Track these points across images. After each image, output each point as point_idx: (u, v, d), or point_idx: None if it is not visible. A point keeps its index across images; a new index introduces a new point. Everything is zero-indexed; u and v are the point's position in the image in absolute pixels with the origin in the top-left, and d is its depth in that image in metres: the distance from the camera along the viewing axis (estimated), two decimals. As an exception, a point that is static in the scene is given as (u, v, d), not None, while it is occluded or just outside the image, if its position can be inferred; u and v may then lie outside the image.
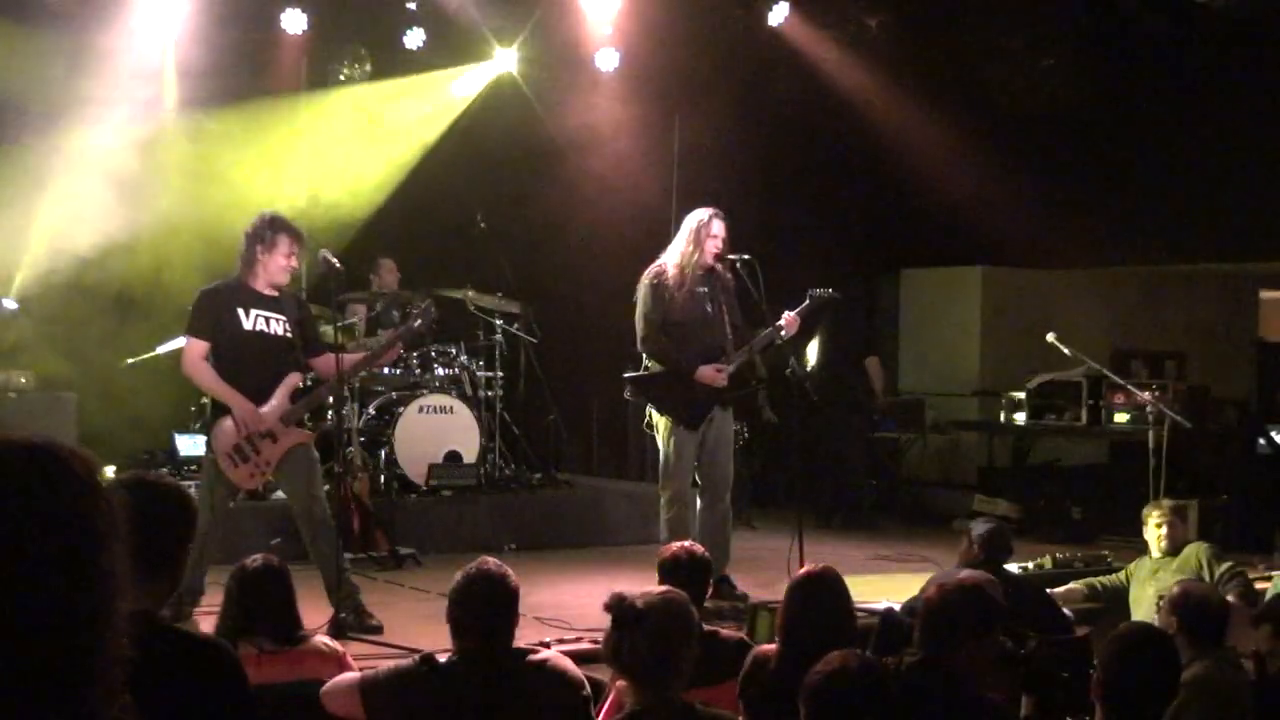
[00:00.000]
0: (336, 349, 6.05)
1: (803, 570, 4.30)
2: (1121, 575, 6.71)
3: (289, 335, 6.11)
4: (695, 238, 6.96)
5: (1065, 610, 6.06)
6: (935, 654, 3.55)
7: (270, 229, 6.06)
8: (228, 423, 5.98)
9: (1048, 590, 6.39)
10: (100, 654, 1.47)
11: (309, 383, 6.60)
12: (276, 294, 6.15)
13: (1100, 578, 6.84)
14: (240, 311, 6.03)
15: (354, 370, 6.54)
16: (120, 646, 1.51)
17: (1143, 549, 8.13)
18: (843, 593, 4.13)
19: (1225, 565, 6.32)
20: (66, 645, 1.44)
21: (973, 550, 5.65)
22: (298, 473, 6.12)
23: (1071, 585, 6.76)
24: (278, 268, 6.08)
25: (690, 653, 3.23)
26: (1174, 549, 6.41)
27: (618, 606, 3.21)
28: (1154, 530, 6.46)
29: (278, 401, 6.02)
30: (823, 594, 4.09)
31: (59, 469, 1.53)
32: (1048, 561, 7.87)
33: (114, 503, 1.56)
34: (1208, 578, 6.11)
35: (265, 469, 6.07)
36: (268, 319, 6.08)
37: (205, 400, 8.66)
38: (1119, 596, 6.56)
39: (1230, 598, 5.92)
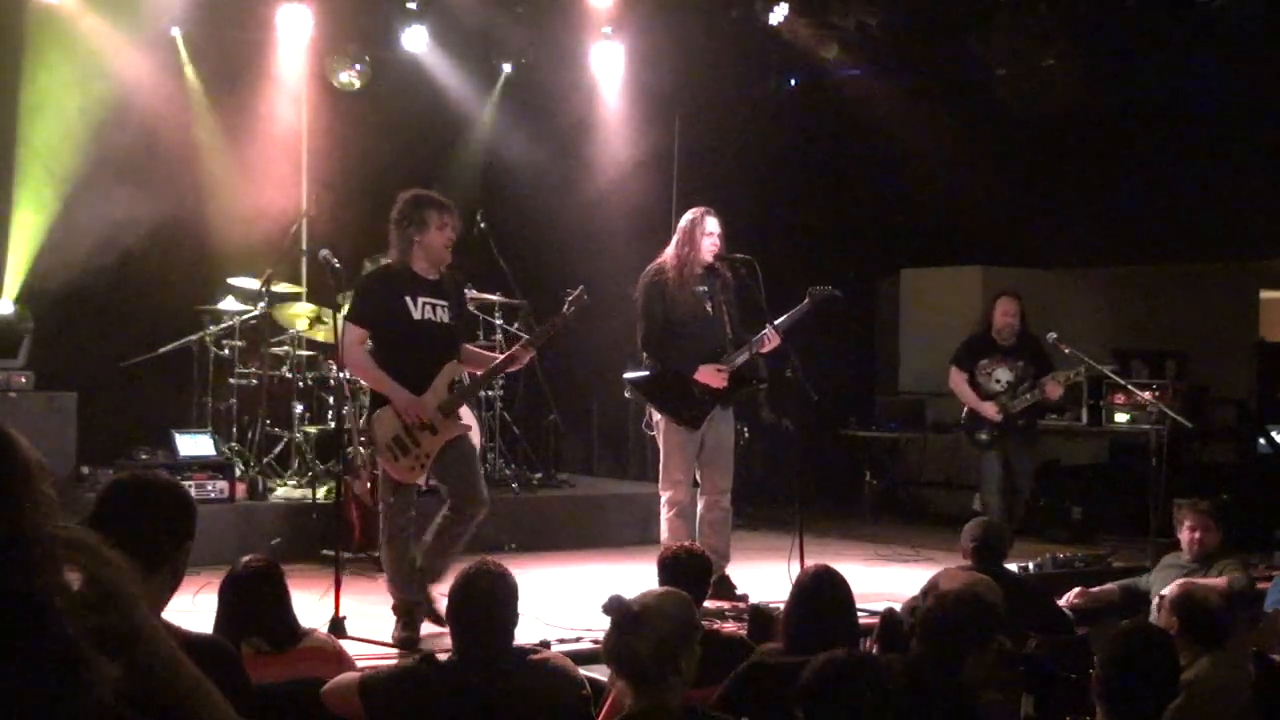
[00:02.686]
0: (338, 350, 5.99)
1: (809, 569, 4.30)
2: (1149, 577, 6.52)
3: (453, 323, 5.97)
4: (690, 237, 6.97)
5: (1065, 610, 6.06)
6: (937, 662, 3.55)
7: (415, 207, 5.86)
8: (388, 413, 5.79)
9: (1080, 588, 6.33)
10: (49, 619, 1.47)
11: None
12: (439, 278, 5.97)
13: (1135, 579, 6.66)
14: (408, 300, 5.82)
15: (493, 373, 6.31)
16: (69, 612, 1.49)
17: (1143, 548, 8.11)
18: (847, 591, 4.13)
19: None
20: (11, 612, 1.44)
21: (966, 551, 5.63)
22: (456, 465, 5.92)
23: (1108, 585, 6.63)
24: (437, 245, 5.86)
25: (691, 654, 3.23)
26: (1205, 555, 6.22)
27: (616, 608, 3.21)
28: (1187, 533, 6.30)
29: (437, 390, 5.83)
30: (828, 592, 4.09)
31: None
32: (1048, 561, 7.88)
33: (36, 468, 1.55)
34: None
35: (425, 461, 5.83)
36: (434, 306, 5.88)
37: (206, 399, 8.69)
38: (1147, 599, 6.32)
39: (1229, 576, 5.92)
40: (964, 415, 8.88)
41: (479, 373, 6.20)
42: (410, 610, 5.89)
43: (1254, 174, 10.27)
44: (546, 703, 3.55)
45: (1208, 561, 6.21)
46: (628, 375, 7.27)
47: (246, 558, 4.13)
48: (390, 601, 6.02)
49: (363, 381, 6.12)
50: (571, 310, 6.15)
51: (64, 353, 8.62)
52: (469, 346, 6.21)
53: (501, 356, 6.16)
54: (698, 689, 3.54)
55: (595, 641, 5.63)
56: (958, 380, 8.88)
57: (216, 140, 9.60)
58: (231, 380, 8.71)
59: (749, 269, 6.90)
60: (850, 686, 3.00)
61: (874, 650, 4.05)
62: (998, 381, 8.75)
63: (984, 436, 8.73)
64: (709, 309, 7.01)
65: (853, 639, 3.91)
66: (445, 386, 5.87)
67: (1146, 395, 9.18)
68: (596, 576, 7.71)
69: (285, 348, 8.84)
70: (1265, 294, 11.82)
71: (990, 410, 8.64)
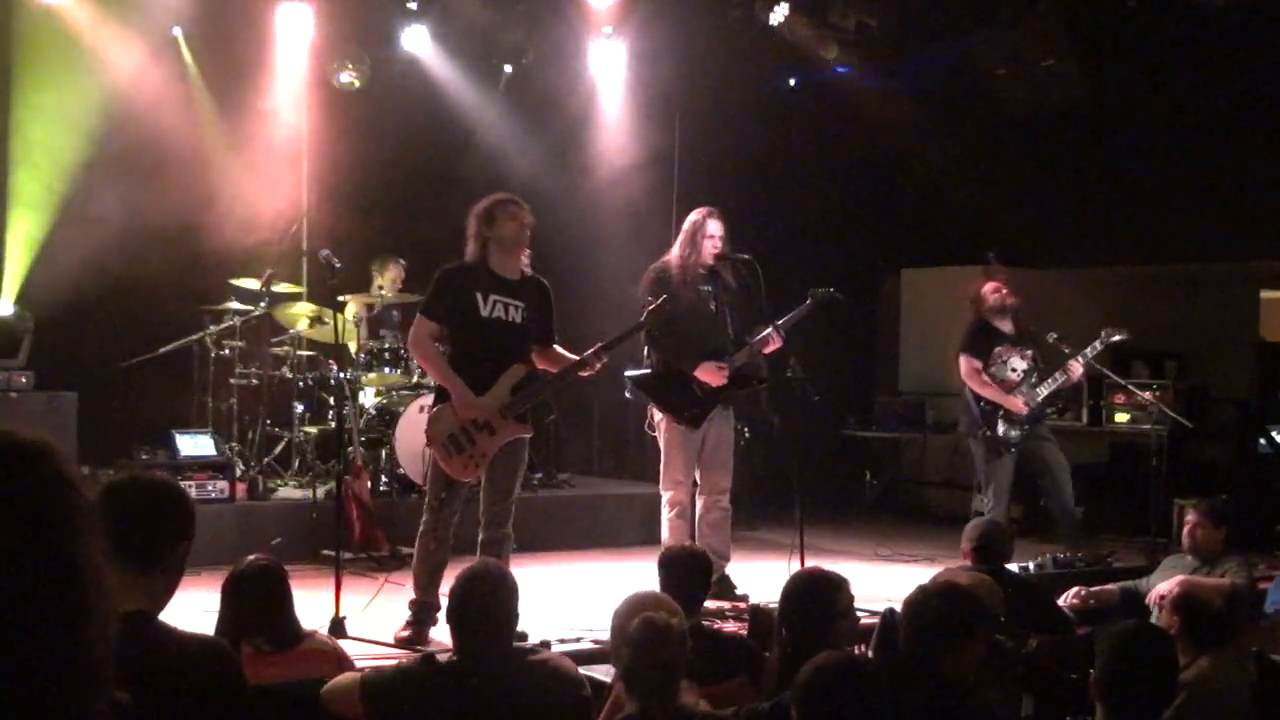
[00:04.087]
0: (338, 348, 6.01)
1: (796, 572, 4.30)
2: (1152, 578, 6.42)
3: (524, 323, 5.92)
4: (692, 239, 7.01)
5: (1065, 610, 6.05)
6: (919, 659, 3.52)
7: (483, 210, 5.91)
8: (448, 410, 5.79)
9: (1080, 588, 6.33)
10: (81, 651, 1.43)
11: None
12: (519, 279, 5.96)
13: (1137, 580, 6.56)
14: (479, 296, 5.81)
15: (561, 377, 6.09)
16: (104, 644, 1.46)
17: (1143, 548, 8.12)
18: (831, 592, 4.09)
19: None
20: (44, 642, 1.40)
21: (967, 551, 5.61)
22: (503, 470, 5.92)
23: (1108, 586, 6.56)
24: (509, 232, 5.87)
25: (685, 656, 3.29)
26: (1201, 551, 6.16)
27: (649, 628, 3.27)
28: (1187, 529, 6.26)
29: (498, 392, 5.80)
30: (812, 593, 4.07)
31: (18, 460, 1.48)
32: (1048, 561, 7.88)
33: (85, 495, 1.51)
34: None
35: (481, 461, 5.82)
36: (506, 305, 5.86)
37: (206, 399, 8.69)
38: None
39: (1230, 578, 5.89)
40: (980, 411, 8.00)
41: (553, 371, 6.12)
42: (422, 611, 5.86)
43: (1254, 174, 10.27)
44: (547, 703, 3.56)
45: (1210, 561, 6.15)
46: (628, 373, 7.28)
47: (250, 558, 4.14)
48: (394, 604, 6.03)
49: (429, 374, 6.12)
50: (649, 317, 6.20)
51: (64, 353, 8.61)
52: (555, 348, 6.09)
53: (573, 360, 6.07)
54: (698, 689, 3.55)
55: (595, 641, 5.63)
56: (973, 371, 7.98)
57: (217, 140, 9.59)
58: (232, 380, 8.70)
59: (750, 268, 6.92)
60: (843, 687, 3.01)
61: (871, 650, 4.05)
62: (1013, 370, 7.99)
63: (1014, 434, 7.93)
64: (711, 308, 7.03)
65: (843, 638, 3.88)
66: (508, 388, 5.83)
67: (1146, 395, 9.18)
68: (596, 576, 7.71)
69: (285, 348, 8.85)
70: (1265, 294, 11.82)
71: (1018, 404, 7.89)
